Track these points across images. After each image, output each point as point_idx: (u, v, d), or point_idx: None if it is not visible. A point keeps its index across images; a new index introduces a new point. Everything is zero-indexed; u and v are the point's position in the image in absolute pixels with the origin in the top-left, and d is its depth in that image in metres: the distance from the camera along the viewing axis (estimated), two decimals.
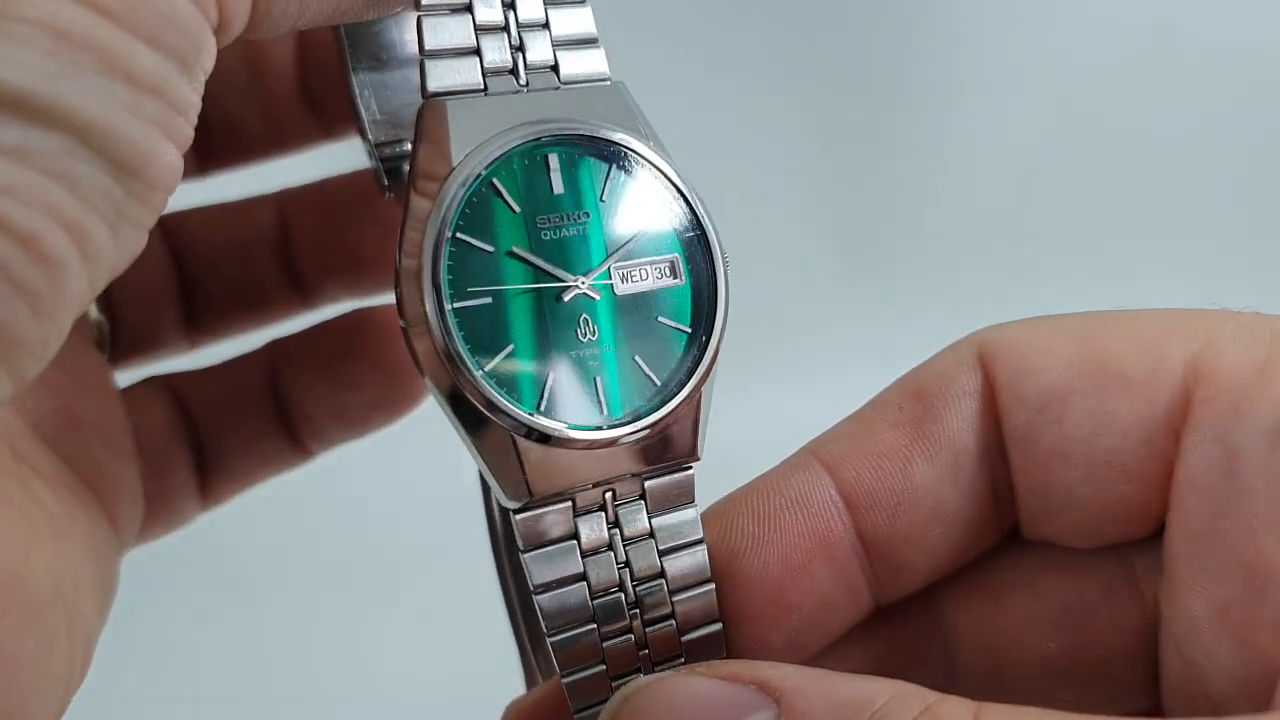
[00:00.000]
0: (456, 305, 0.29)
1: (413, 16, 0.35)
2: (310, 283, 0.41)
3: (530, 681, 0.39)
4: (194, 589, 0.72)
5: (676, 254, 0.32)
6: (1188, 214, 0.88)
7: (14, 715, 0.26)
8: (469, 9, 0.31)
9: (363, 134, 0.37)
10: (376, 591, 0.75)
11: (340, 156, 0.40)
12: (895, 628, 0.35)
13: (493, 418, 0.30)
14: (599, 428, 0.31)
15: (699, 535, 0.32)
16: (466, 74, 0.31)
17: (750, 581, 0.32)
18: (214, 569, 0.72)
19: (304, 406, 0.40)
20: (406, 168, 0.36)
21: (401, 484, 0.73)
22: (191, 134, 0.25)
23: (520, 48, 0.32)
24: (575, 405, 0.31)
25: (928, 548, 0.33)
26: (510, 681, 0.39)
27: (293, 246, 0.40)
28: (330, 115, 0.40)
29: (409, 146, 0.36)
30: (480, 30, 0.31)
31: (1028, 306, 0.36)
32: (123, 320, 0.39)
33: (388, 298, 0.41)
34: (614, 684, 0.31)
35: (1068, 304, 0.35)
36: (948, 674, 0.35)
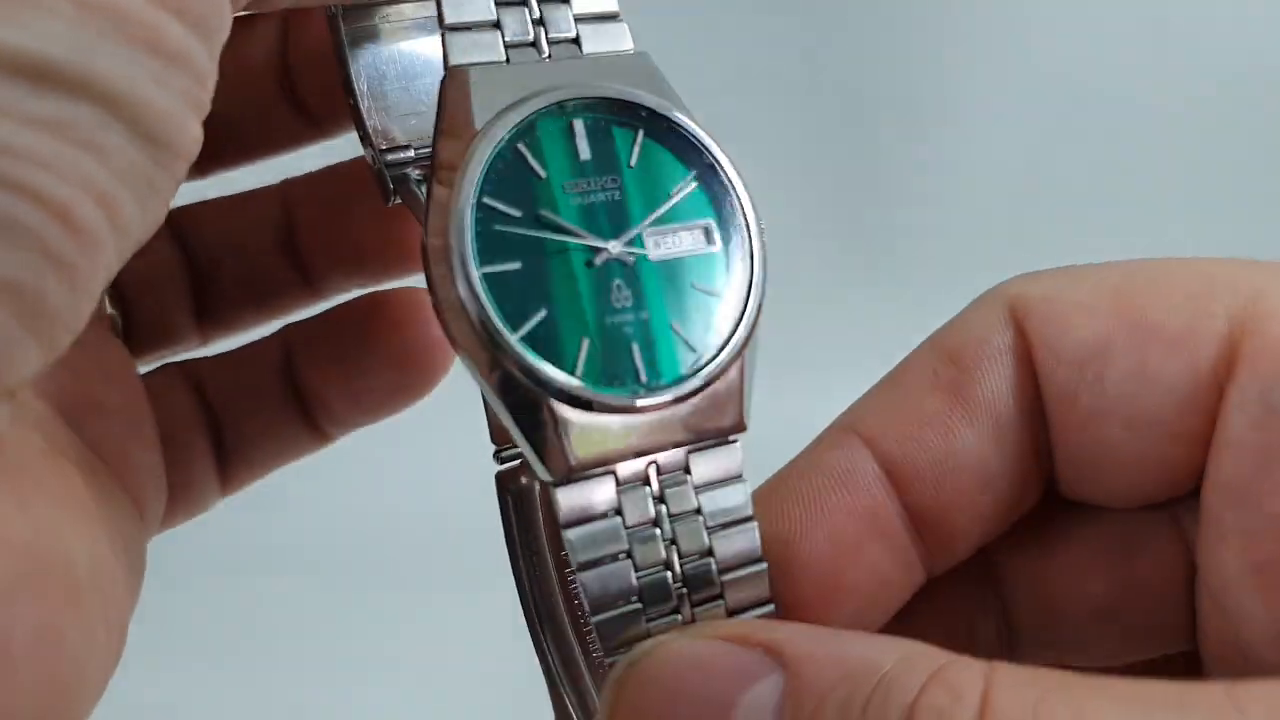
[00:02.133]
0: (485, 270, 0.29)
1: (418, 24, 0.35)
2: (316, 273, 0.40)
3: (559, 711, 0.37)
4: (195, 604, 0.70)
5: (710, 219, 0.32)
6: (1197, 212, 0.88)
7: (59, 697, 0.25)
8: None
9: (365, 142, 0.37)
10: (382, 619, 0.73)
11: (339, 146, 0.40)
12: (950, 584, 0.34)
13: (529, 384, 0.29)
14: (636, 394, 0.30)
15: (749, 512, 0.31)
16: (487, 48, 0.31)
17: (804, 569, 0.31)
18: (219, 579, 0.70)
19: (319, 391, 0.40)
20: (411, 174, 0.36)
21: (418, 493, 0.72)
22: (209, 104, 0.25)
23: (540, 21, 0.32)
24: (612, 371, 0.30)
25: (977, 514, 0.32)
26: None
27: (297, 237, 0.40)
28: (319, 113, 0.40)
29: (412, 154, 0.37)
30: (500, 3, 0.31)
31: None
32: (135, 315, 0.39)
33: (396, 283, 0.41)
34: None
35: None
36: (1002, 623, 0.34)
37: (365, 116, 0.36)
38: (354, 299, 0.41)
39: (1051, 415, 0.32)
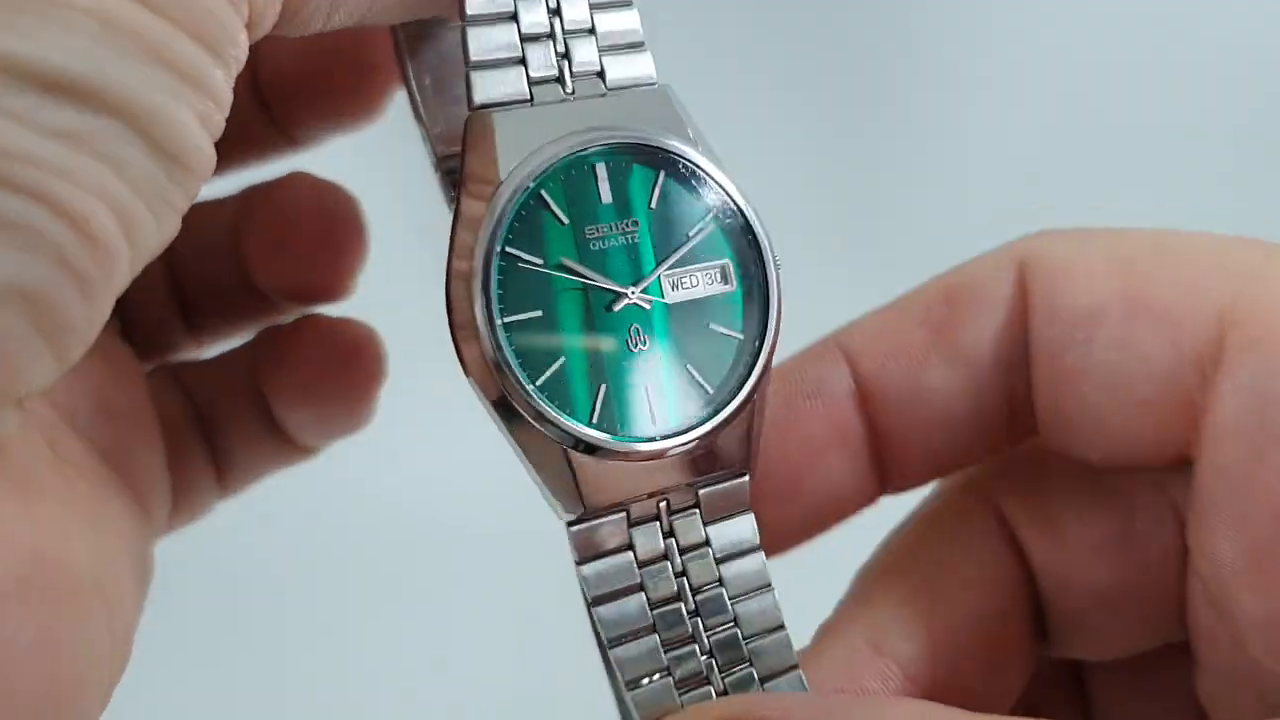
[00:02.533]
0: (507, 319, 0.29)
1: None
2: (262, 293, 0.39)
3: None
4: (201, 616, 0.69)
5: (727, 259, 0.32)
6: (1200, 210, 0.89)
7: (59, 703, 0.25)
8: (514, 17, 0.30)
9: (428, 145, 0.37)
10: (383, 620, 0.72)
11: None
12: (1008, 565, 0.35)
13: (543, 430, 0.29)
14: (652, 439, 0.30)
15: (755, 542, 0.32)
16: (512, 84, 0.31)
17: (771, 465, 0.33)
18: (224, 590, 0.70)
19: (274, 404, 0.39)
20: None
21: (418, 495, 0.71)
22: (223, 124, 0.25)
23: (566, 54, 0.31)
24: (627, 416, 0.30)
25: (932, 448, 0.35)
26: None
27: (241, 253, 0.39)
28: (287, 124, 0.39)
29: None
30: (525, 39, 0.31)
31: None
32: (130, 318, 0.38)
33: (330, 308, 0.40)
34: (680, 695, 0.31)
35: None
36: (1039, 607, 0.36)
37: (429, 123, 0.36)
38: (280, 326, 0.40)
39: (1036, 367, 0.33)
